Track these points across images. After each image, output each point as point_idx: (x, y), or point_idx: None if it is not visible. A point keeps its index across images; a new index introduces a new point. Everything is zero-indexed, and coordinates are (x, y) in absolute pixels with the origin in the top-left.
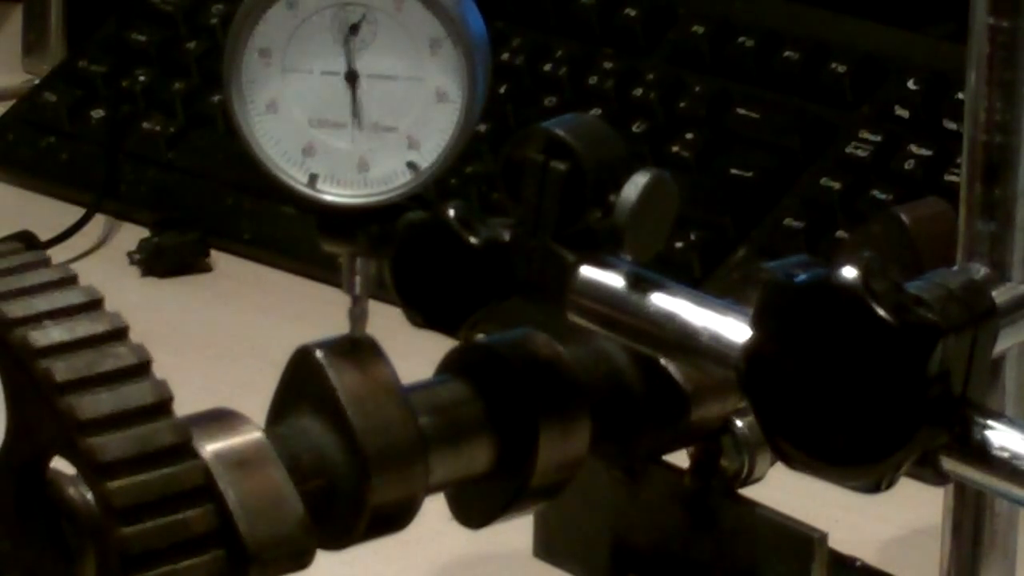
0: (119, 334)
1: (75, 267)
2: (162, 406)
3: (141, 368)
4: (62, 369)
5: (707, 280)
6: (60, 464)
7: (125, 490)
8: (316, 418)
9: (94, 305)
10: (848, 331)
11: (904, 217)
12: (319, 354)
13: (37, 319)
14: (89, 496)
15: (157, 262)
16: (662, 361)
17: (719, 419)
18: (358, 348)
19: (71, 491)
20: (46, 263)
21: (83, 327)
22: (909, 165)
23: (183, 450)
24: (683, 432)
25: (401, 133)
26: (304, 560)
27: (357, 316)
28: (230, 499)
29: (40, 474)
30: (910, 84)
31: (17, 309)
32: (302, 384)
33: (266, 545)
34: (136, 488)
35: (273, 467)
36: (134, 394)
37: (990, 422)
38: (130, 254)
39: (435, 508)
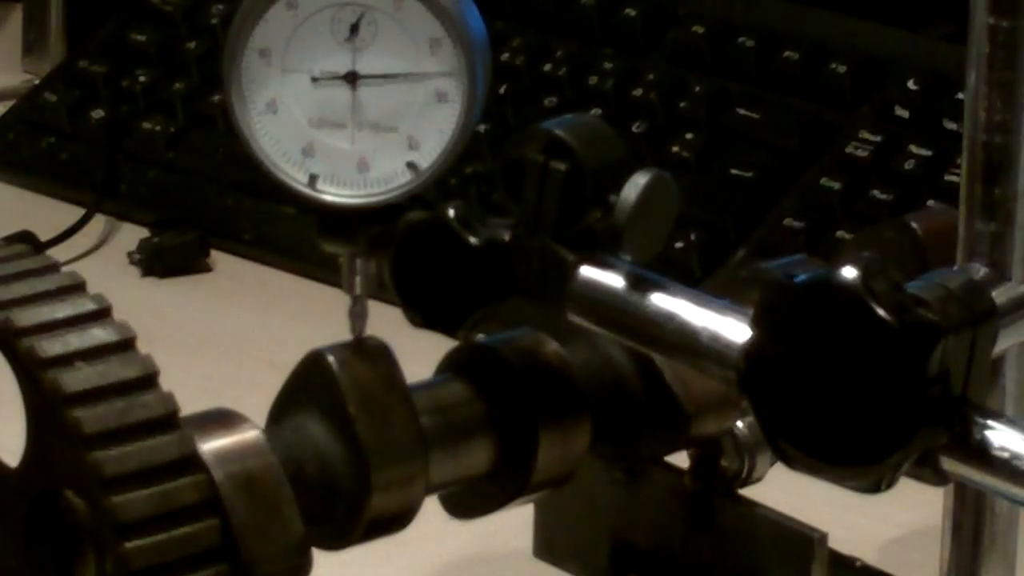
0: (149, 381)
1: (75, 267)
2: (187, 462)
3: (169, 420)
4: (91, 420)
5: (707, 280)
6: None
7: (143, 551)
8: (317, 418)
9: (127, 345)
10: (848, 331)
11: (915, 226)
12: (330, 358)
13: (70, 360)
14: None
15: (157, 262)
16: (666, 378)
17: (719, 433)
18: (368, 351)
19: (79, 507)
20: (81, 288)
21: (115, 371)
22: (909, 165)
23: (204, 508)
24: (682, 441)
25: (401, 133)
26: (300, 574)
27: (357, 315)
28: (232, 516)
29: (53, 503)
30: (910, 84)
31: (50, 346)
32: (309, 386)
33: (264, 563)
34: (154, 549)
35: (273, 472)
36: (160, 450)
37: (990, 422)
38: (130, 254)
39: (435, 508)
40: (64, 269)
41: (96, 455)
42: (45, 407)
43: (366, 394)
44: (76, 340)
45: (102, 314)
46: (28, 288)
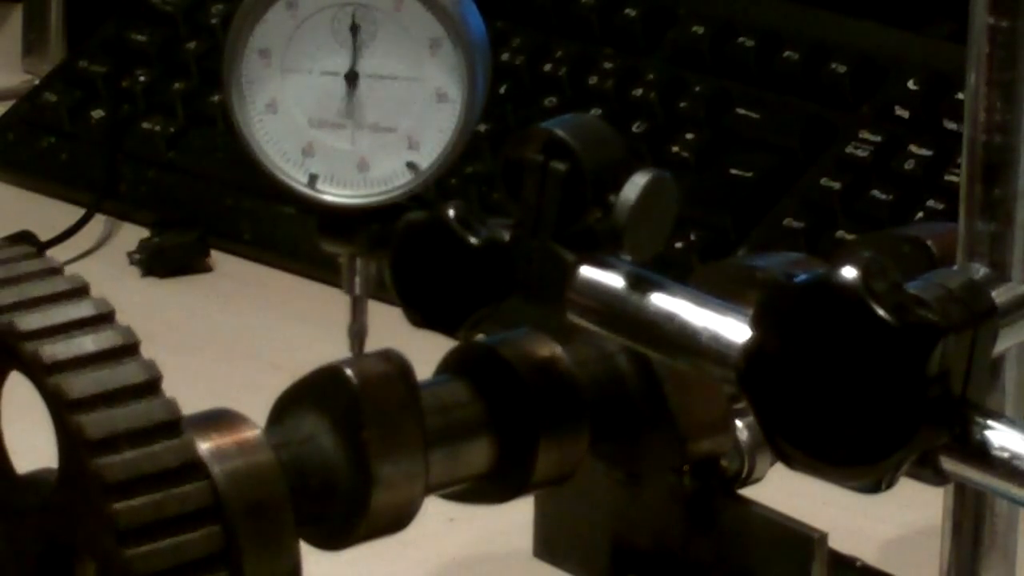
0: (175, 426)
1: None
2: (206, 513)
3: (192, 470)
4: (118, 470)
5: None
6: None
7: None
8: (325, 427)
9: (153, 387)
10: (848, 331)
11: (931, 244)
12: (349, 372)
13: (94, 403)
14: None
15: (157, 262)
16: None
17: (714, 454)
18: (389, 368)
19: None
20: (110, 318)
21: (144, 415)
22: (909, 165)
23: (218, 561)
24: (679, 457)
25: (401, 133)
26: None
27: (356, 334)
28: (231, 522)
29: (67, 558)
30: (910, 84)
31: (79, 385)
32: (321, 395)
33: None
34: None
35: (272, 471)
36: (180, 500)
37: (990, 422)
38: (130, 254)
39: (435, 508)
40: (96, 294)
41: (117, 506)
42: (71, 449)
43: (383, 418)
44: (108, 377)
45: (131, 350)
46: (60, 316)
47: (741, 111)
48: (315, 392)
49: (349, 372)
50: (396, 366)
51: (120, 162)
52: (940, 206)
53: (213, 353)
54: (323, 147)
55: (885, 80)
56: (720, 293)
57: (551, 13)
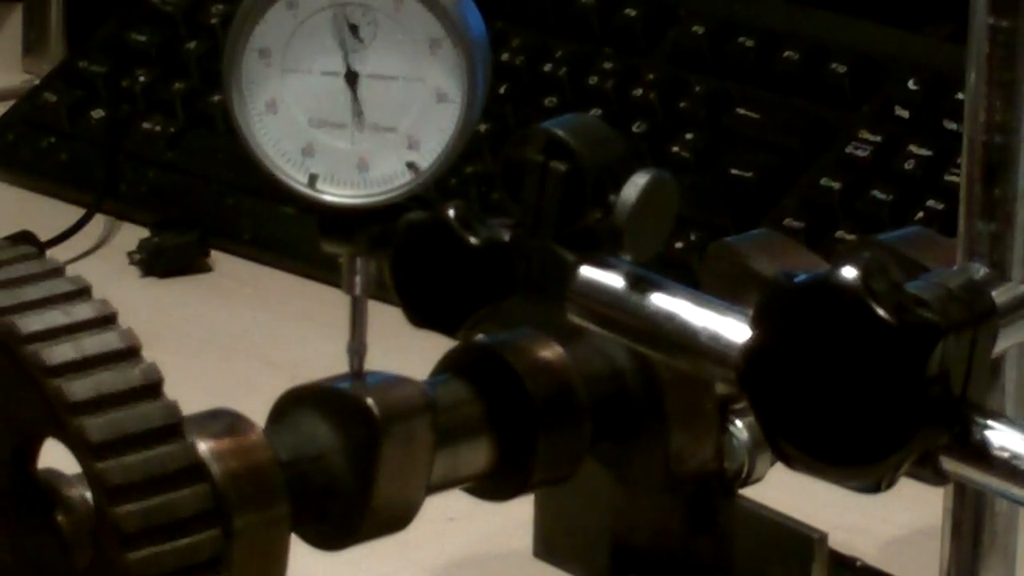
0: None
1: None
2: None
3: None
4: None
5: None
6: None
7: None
8: (328, 433)
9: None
10: (848, 331)
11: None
12: (377, 412)
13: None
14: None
15: (157, 262)
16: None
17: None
18: (414, 411)
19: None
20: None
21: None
22: (909, 165)
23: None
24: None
25: (401, 133)
26: None
27: (355, 351)
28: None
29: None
30: (910, 84)
31: (80, 388)
32: (337, 414)
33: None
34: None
35: (272, 471)
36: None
37: (990, 422)
38: (130, 254)
39: (435, 508)
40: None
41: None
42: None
43: (400, 454)
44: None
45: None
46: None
47: (741, 111)
48: (328, 408)
49: (371, 403)
50: (421, 405)
51: (120, 162)
52: (940, 206)
53: (213, 353)
54: (323, 147)
55: (885, 80)
56: (730, 274)
57: (551, 13)
